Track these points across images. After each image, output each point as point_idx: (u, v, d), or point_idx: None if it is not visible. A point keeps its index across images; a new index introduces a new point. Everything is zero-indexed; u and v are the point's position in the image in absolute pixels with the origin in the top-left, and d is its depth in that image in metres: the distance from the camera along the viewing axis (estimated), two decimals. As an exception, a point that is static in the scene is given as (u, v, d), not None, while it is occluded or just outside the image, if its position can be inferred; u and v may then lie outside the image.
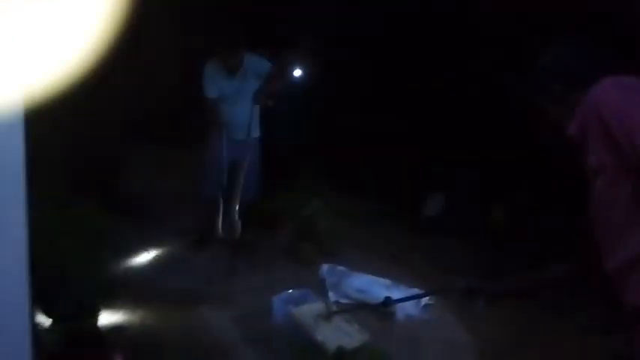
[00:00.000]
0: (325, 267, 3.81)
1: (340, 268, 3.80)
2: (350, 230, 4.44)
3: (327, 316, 2.97)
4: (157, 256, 3.95)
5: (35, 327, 2.13)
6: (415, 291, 3.40)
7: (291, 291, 3.27)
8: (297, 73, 5.40)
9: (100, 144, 4.77)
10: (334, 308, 3.06)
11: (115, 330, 2.90)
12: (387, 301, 2.75)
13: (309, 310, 3.04)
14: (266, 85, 3.84)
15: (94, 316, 2.39)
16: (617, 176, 1.11)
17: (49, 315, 2.26)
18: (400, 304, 3.29)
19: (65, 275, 2.37)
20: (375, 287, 3.55)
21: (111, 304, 2.56)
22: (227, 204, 3.72)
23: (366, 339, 2.88)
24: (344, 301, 3.45)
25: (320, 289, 3.54)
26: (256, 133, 4.00)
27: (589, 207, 1.28)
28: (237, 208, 3.69)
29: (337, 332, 2.93)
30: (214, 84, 3.76)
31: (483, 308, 1.90)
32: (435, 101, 5.75)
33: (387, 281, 3.70)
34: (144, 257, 3.91)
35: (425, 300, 3.46)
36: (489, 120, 5.33)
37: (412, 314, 3.36)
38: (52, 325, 2.21)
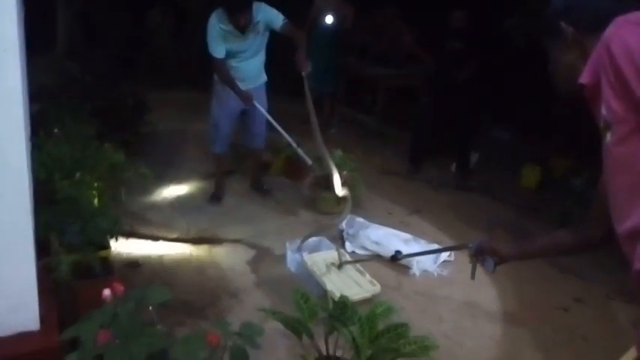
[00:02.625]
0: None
1: (359, 219, 3.75)
2: (374, 183, 4.37)
3: (339, 265, 2.95)
4: (176, 196, 3.99)
5: (44, 257, 2.18)
6: (434, 247, 3.33)
7: (306, 238, 3.25)
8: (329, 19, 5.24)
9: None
10: (346, 258, 3.03)
11: (127, 264, 2.97)
12: (397, 255, 2.69)
13: (321, 257, 3.02)
14: (297, 57, 3.40)
15: (105, 250, 2.43)
16: (629, 131, 0.97)
17: (61, 245, 2.32)
18: (419, 259, 3.24)
19: (78, 207, 2.40)
20: (393, 240, 3.48)
21: (124, 238, 2.60)
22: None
23: (377, 291, 2.85)
24: (360, 252, 3.41)
25: (337, 239, 3.51)
26: (263, 78, 3.85)
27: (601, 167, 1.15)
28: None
29: (348, 282, 2.90)
30: (224, 44, 3.52)
31: (493, 269, 1.82)
32: (466, 54, 5.45)
33: (407, 235, 3.64)
34: (163, 197, 3.94)
35: (444, 256, 3.40)
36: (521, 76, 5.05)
37: (429, 270, 3.30)
38: (63, 255, 2.26)
